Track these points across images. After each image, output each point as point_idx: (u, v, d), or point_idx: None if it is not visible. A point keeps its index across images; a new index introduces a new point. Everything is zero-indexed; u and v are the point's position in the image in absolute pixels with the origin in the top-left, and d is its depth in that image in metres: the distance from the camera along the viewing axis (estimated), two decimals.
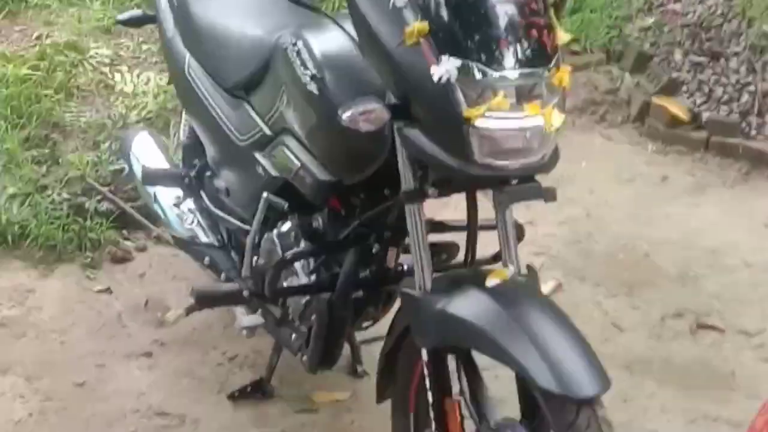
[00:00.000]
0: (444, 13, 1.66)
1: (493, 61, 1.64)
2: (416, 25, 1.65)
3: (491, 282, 1.75)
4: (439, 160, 1.69)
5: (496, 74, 1.64)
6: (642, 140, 4.02)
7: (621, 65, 4.29)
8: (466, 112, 1.64)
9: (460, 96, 1.64)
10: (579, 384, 1.58)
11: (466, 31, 1.65)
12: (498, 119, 1.65)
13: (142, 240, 3.21)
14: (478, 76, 1.63)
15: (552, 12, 1.76)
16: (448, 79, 1.63)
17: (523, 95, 1.67)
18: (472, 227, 1.89)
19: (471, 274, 1.81)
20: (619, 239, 3.34)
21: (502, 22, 1.66)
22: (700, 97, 4.01)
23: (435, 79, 1.64)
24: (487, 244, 1.93)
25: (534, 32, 1.68)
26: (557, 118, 1.70)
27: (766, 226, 3.50)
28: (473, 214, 1.87)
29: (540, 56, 1.69)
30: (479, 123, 1.65)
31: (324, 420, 2.55)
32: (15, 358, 2.69)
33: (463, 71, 1.63)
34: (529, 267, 1.88)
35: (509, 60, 1.65)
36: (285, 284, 2.22)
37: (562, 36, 1.78)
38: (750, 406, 2.17)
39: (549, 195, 1.77)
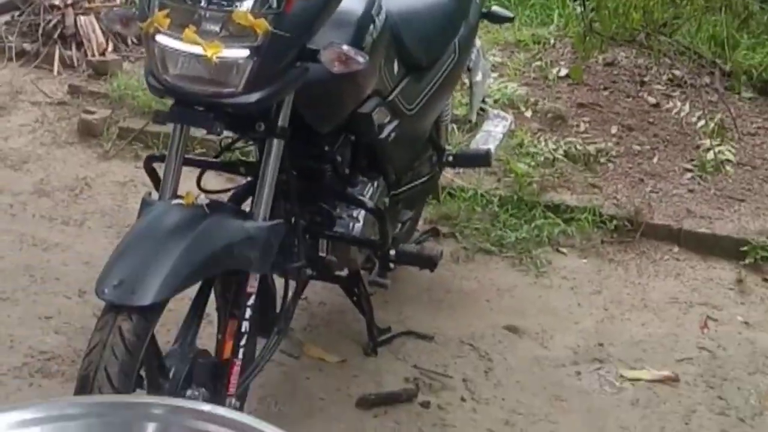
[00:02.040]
0: None
1: None
2: None
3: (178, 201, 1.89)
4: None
5: None
6: None
7: None
8: (143, 24, 1.82)
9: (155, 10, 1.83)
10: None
11: None
12: (165, 36, 1.79)
13: None
14: None
15: None
16: None
17: (190, 21, 1.77)
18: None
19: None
20: None
21: None
22: None
23: None
24: None
25: None
26: (218, 51, 1.75)
27: None
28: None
29: None
30: (156, 37, 1.81)
31: (296, 366, 2.71)
32: None
33: None
34: None
35: None
36: None
37: None
38: None
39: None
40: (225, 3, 1.77)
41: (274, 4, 1.80)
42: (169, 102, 1.95)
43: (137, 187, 3.55)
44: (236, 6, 1.77)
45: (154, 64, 1.85)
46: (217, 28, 1.78)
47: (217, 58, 1.77)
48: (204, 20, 1.78)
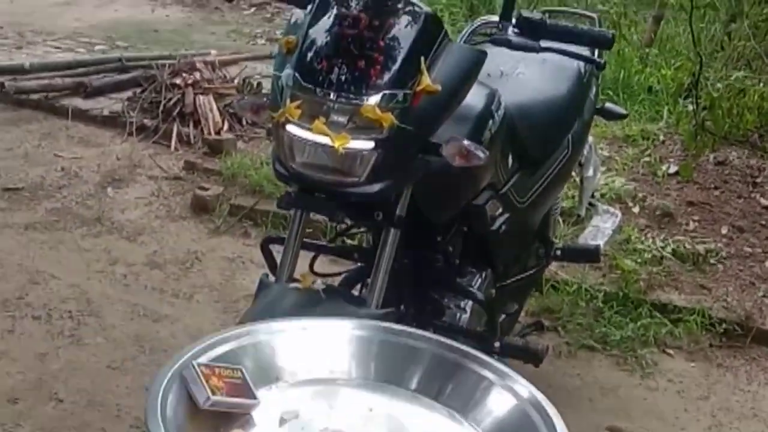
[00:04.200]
0: (304, 31, 1.92)
1: (310, 75, 1.85)
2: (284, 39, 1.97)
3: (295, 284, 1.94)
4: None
5: (304, 85, 1.85)
6: None
7: None
8: (275, 114, 1.89)
9: (287, 101, 1.90)
10: None
11: (308, 48, 1.89)
12: (295, 126, 1.86)
13: None
14: (290, 83, 1.87)
15: (423, 65, 1.85)
16: (285, 83, 1.91)
17: (320, 113, 1.83)
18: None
19: None
20: None
21: (334, 45, 1.86)
22: None
23: (278, 83, 1.93)
24: None
25: (362, 63, 1.83)
26: (346, 142, 1.81)
27: None
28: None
29: (357, 86, 1.82)
30: (287, 127, 1.88)
31: None
32: None
33: (292, 79, 1.88)
34: None
35: (321, 78, 1.84)
36: None
37: (426, 82, 1.84)
38: None
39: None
40: (353, 96, 1.83)
41: (401, 99, 1.85)
42: (282, 185, 2.00)
43: (245, 263, 3.63)
44: (365, 100, 1.82)
45: (282, 152, 1.91)
46: (344, 120, 1.83)
47: (344, 148, 1.82)
48: (333, 112, 1.84)
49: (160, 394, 0.88)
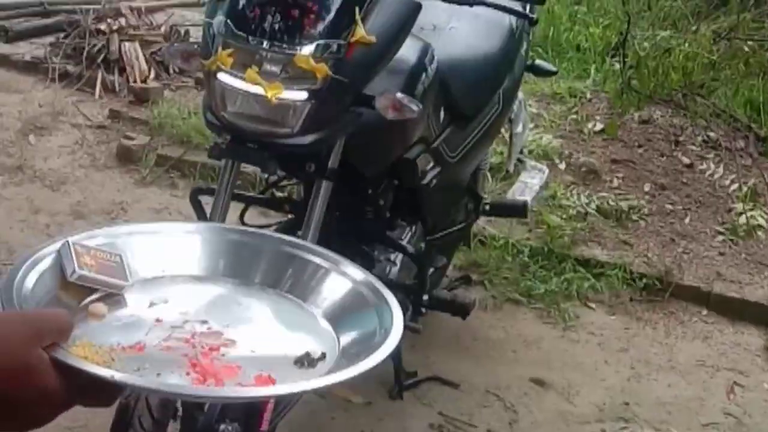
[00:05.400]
0: None
1: (242, 23, 1.83)
2: None
3: None
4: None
5: (236, 33, 1.82)
6: None
7: None
8: (206, 62, 1.86)
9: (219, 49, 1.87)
10: None
11: None
12: (226, 75, 1.83)
13: None
14: (222, 30, 1.83)
15: (358, 15, 1.83)
16: (217, 31, 1.87)
17: (252, 62, 1.81)
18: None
19: None
20: None
21: None
22: None
23: (210, 31, 1.89)
24: None
25: (295, 13, 1.80)
26: (279, 92, 1.79)
27: None
28: None
29: (290, 36, 1.80)
30: (218, 75, 1.85)
31: (323, 405, 2.71)
32: None
33: (224, 26, 1.85)
34: None
35: (253, 26, 1.82)
36: None
37: (360, 33, 1.83)
38: None
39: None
40: (287, 46, 1.81)
41: (335, 49, 1.84)
42: (211, 135, 1.98)
43: (172, 214, 3.58)
44: (299, 50, 1.81)
45: (214, 101, 1.88)
46: (278, 70, 1.82)
47: (277, 99, 1.81)
48: (266, 61, 1.82)
49: (24, 267, 0.94)
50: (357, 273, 1.04)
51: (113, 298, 0.97)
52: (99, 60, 4.58)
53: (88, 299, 0.96)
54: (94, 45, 4.64)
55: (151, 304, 0.98)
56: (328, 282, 1.04)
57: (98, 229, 1.05)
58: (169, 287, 1.01)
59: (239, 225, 2.26)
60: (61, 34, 4.82)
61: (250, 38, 1.81)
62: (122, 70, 4.55)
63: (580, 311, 3.30)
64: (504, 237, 3.53)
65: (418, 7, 2.02)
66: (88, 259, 0.95)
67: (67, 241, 0.97)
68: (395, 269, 2.42)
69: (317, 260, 1.05)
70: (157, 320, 0.95)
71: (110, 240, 1.02)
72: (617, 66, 4.57)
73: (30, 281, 0.93)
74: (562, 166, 4.04)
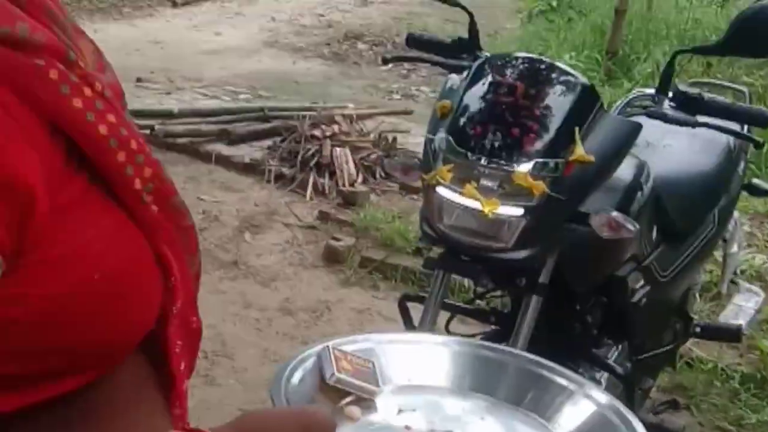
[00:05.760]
0: (459, 96, 1.96)
1: (463, 139, 1.89)
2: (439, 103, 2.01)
3: None
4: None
5: (457, 149, 1.88)
6: None
7: None
8: (426, 174, 1.93)
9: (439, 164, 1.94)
10: None
11: (462, 113, 1.93)
12: (445, 189, 1.90)
13: None
14: (443, 146, 1.91)
15: (578, 135, 1.86)
16: (438, 146, 1.95)
17: (471, 177, 1.86)
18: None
19: None
20: None
21: (489, 111, 1.89)
22: None
23: (431, 146, 1.97)
24: None
25: (516, 131, 1.85)
26: (496, 207, 1.83)
27: None
28: None
29: (509, 153, 1.84)
30: (438, 189, 1.92)
31: None
32: None
33: (445, 142, 1.92)
34: None
35: (474, 143, 1.88)
36: None
37: (579, 152, 1.85)
38: None
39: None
40: (506, 163, 1.85)
41: (553, 167, 1.86)
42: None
43: (373, 316, 3.67)
44: (517, 167, 1.84)
45: (431, 213, 1.94)
46: (495, 186, 1.86)
47: (493, 214, 1.84)
48: (484, 177, 1.86)
49: (290, 367, 0.99)
50: (602, 396, 1.03)
51: (365, 402, 1.01)
52: (312, 163, 4.82)
53: (343, 402, 1.00)
54: (308, 149, 4.90)
55: (400, 411, 1.02)
56: (573, 403, 1.04)
57: (359, 335, 1.11)
58: (417, 396, 1.05)
59: (445, 333, 2.29)
60: (278, 138, 5.13)
61: (470, 154, 1.87)
62: (332, 174, 4.77)
63: None
64: (713, 360, 3.37)
65: (639, 127, 2.02)
66: (345, 364, 1.00)
67: (328, 346, 1.02)
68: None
69: (562, 381, 1.06)
70: (407, 427, 0.99)
71: (367, 346, 1.07)
72: None
73: (295, 380, 0.99)
74: None
